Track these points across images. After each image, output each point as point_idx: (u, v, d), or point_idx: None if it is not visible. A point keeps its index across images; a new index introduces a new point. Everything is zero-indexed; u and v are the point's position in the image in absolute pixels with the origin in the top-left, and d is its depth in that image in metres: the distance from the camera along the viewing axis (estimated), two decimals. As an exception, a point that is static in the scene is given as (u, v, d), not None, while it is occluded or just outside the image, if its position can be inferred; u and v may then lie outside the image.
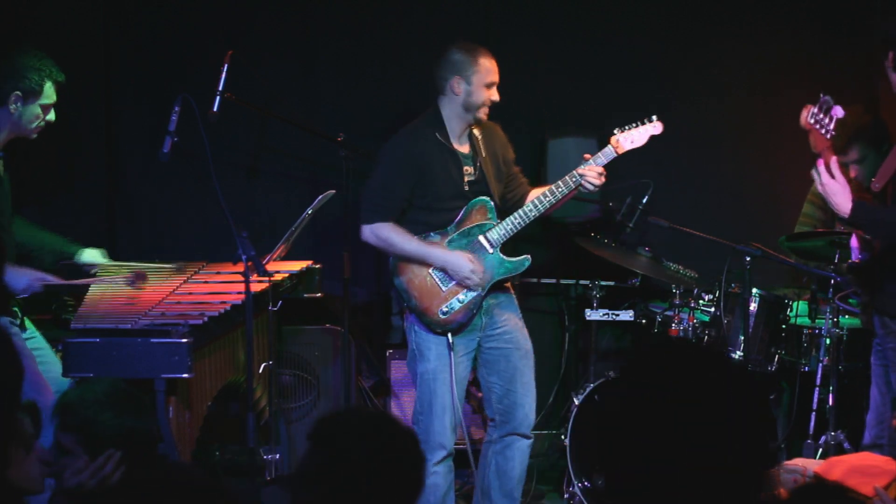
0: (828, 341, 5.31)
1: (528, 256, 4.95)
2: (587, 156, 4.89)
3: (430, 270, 4.90)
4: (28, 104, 4.71)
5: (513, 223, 4.89)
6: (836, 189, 4.14)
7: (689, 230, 5.51)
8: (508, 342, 4.97)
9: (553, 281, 6.28)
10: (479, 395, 5.71)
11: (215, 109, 5.26)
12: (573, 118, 6.32)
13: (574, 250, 6.13)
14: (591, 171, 4.84)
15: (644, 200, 5.43)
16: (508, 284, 5.05)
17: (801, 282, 5.90)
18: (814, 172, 4.19)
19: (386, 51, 6.40)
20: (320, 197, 5.38)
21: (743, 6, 6.39)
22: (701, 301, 5.64)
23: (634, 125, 4.92)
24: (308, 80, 6.36)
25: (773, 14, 6.35)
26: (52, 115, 4.80)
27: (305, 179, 6.34)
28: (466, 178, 4.91)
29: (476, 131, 4.97)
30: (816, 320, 5.40)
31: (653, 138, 4.96)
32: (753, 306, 5.49)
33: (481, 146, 4.95)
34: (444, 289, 4.90)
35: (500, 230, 4.89)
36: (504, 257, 4.93)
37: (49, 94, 4.74)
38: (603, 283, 5.90)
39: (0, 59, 4.75)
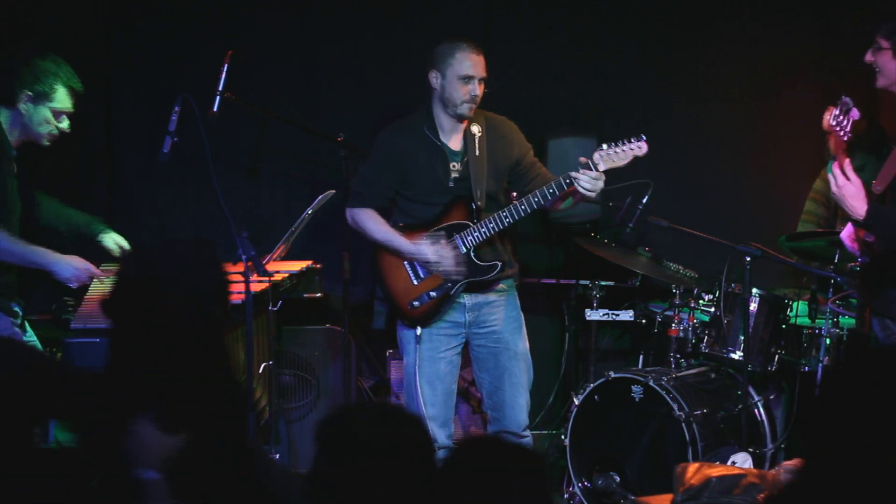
0: (828, 341, 5.31)
1: (498, 263, 4.90)
2: (583, 159, 4.75)
3: (405, 262, 4.91)
4: (38, 106, 4.68)
5: (486, 226, 4.83)
6: (852, 191, 4.14)
7: (689, 230, 5.51)
8: (497, 342, 4.96)
9: (553, 281, 6.28)
10: (479, 395, 5.72)
11: (215, 109, 5.26)
12: (572, 118, 6.32)
13: (574, 250, 6.13)
14: (585, 175, 4.67)
15: (644, 200, 5.43)
16: (503, 285, 5.02)
17: (801, 282, 5.90)
18: (829, 175, 4.19)
19: (386, 51, 6.40)
20: (320, 197, 5.38)
21: (743, 6, 6.39)
22: (701, 301, 5.65)
23: (619, 143, 4.75)
24: (308, 80, 6.37)
25: (773, 14, 6.34)
26: (65, 124, 4.73)
27: (305, 179, 6.34)
28: (452, 175, 4.90)
29: (476, 128, 4.92)
30: (816, 320, 5.40)
31: (640, 149, 4.77)
32: (753, 306, 5.48)
33: (476, 144, 4.90)
34: (415, 282, 4.90)
35: (475, 232, 4.85)
36: (476, 261, 4.89)
37: (61, 99, 4.68)
38: (603, 283, 5.90)
39: (18, 60, 4.73)
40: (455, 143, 4.92)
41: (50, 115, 4.69)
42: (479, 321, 4.95)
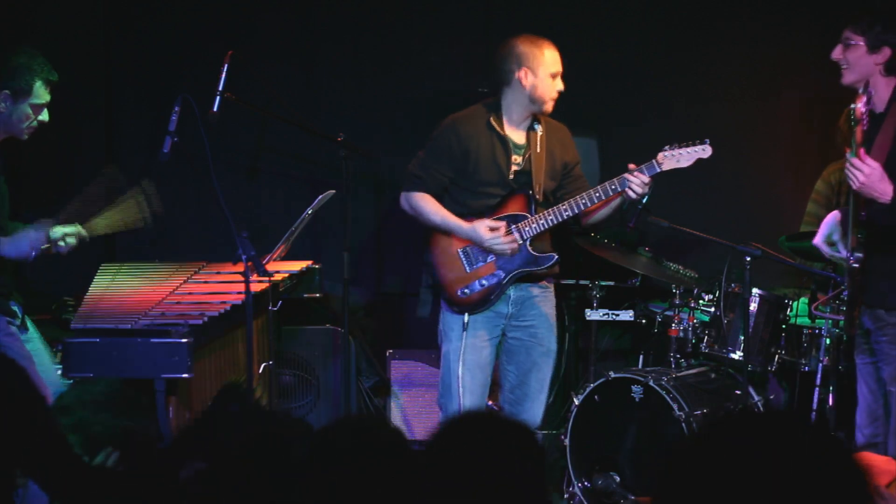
0: (828, 341, 5.31)
1: (555, 255, 4.96)
2: (632, 166, 4.86)
3: (459, 250, 4.95)
4: (18, 103, 4.66)
5: (545, 219, 4.90)
6: (879, 175, 4.16)
7: (689, 230, 5.51)
8: (532, 336, 5.01)
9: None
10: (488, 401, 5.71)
11: (215, 109, 5.25)
12: (572, 118, 6.30)
13: (574, 250, 6.12)
14: (637, 178, 4.80)
15: (644, 200, 5.42)
16: (545, 282, 5.06)
17: (801, 282, 5.90)
18: (849, 165, 4.18)
19: (386, 51, 6.40)
20: (320, 197, 5.38)
21: (743, 6, 6.39)
22: (701, 301, 5.64)
23: (683, 145, 4.84)
24: (308, 80, 6.37)
25: (773, 14, 6.34)
26: (45, 116, 4.71)
27: (305, 179, 6.34)
28: (513, 167, 4.94)
29: (539, 127, 4.99)
30: (816, 320, 5.40)
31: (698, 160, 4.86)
32: (753, 306, 5.48)
33: (538, 141, 4.97)
34: (468, 269, 4.94)
35: (533, 224, 4.91)
36: (531, 251, 4.94)
37: (39, 93, 4.66)
38: (603, 283, 5.90)
39: None
40: (519, 137, 4.98)
41: (30, 111, 4.66)
42: (519, 314, 5.00)
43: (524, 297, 5.00)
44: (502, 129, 4.95)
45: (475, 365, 4.92)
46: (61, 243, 4.67)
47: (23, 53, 4.67)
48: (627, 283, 5.99)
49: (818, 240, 4.44)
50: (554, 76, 4.93)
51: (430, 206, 4.97)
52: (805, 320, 5.49)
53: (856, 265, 4.29)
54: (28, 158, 5.49)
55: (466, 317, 4.92)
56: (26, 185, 5.71)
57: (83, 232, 4.73)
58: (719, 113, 6.36)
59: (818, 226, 5.65)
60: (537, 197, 4.94)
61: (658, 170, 4.84)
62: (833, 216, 4.46)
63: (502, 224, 4.90)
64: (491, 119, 4.94)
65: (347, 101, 6.37)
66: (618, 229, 5.78)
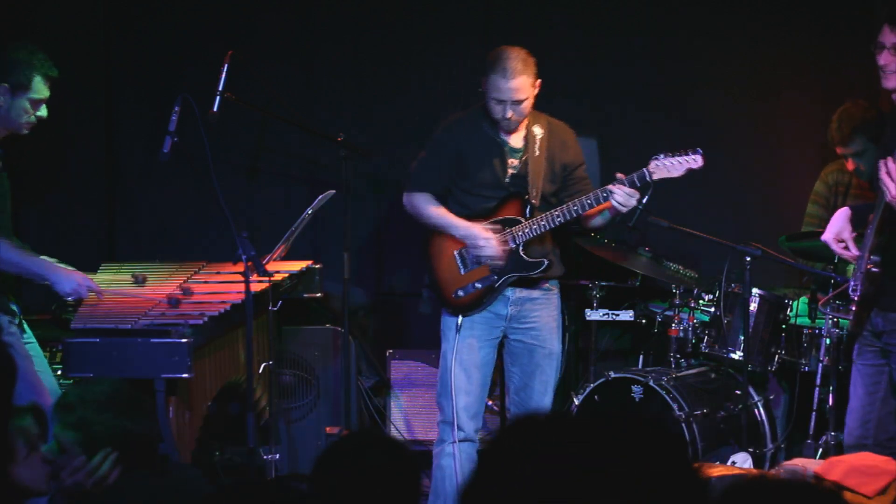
0: (828, 341, 5.31)
1: (545, 261, 4.93)
2: (620, 175, 4.81)
3: (455, 252, 4.93)
4: (16, 98, 4.63)
5: (538, 224, 4.87)
6: None
7: (689, 230, 5.50)
8: (534, 339, 4.98)
9: (553, 281, 6.27)
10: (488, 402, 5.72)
11: (215, 109, 5.26)
12: (572, 118, 6.30)
13: (574, 250, 6.13)
14: (620, 190, 4.74)
15: (644, 200, 5.41)
16: (548, 284, 5.03)
17: (801, 282, 5.90)
18: (884, 177, 4.13)
19: (386, 51, 6.40)
20: (320, 197, 5.38)
21: (743, 6, 6.39)
22: (701, 301, 5.64)
23: (675, 154, 4.77)
24: (308, 80, 6.37)
25: (773, 14, 6.34)
26: (43, 112, 4.69)
27: (305, 179, 6.34)
28: (510, 171, 4.92)
29: (538, 129, 4.94)
30: (816, 320, 5.40)
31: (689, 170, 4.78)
32: (753, 306, 5.48)
33: (536, 144, 4.92)
34: (462, 271, 4.93)
35: (526, 228, 4.89)
36: (524, 256, 4.92)
37: (38, 88, 4.63)
38: (603, 283, 5.90)
39: None
40: (516, 140, 4.93)
41: (28, 106, 4.64)
42: (520, 316, 4.97)
43: (524, 299, 4.98)
44: (496, 132, 4.91)
45: (471, 364, 4.91)
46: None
47: (22, 48, 4.65)
48: (627, 283, 5.99)
49: (828, 236, 4.40)
50: (497, 101, 4.78)
51: (429, 206, 4.96)
52: (805, 320, 5.49)
53: (875, 269, 4.26)
54: (28, 158, 5.49)
55: (460, 318, 4.90)
56: (26, 184, 5.71)
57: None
58: (719, 113, 6.36)
59: (819, 226, 5.66)
60: (533, 201, 4.89)
61: (649, 179, 4.78)
62: (843, 213, 4.41)
63: (496, 234, 4.87)
64: (485, 124, 4.90)
65: (347, 101, 6.37)
66: (618, 229, 5.78)
